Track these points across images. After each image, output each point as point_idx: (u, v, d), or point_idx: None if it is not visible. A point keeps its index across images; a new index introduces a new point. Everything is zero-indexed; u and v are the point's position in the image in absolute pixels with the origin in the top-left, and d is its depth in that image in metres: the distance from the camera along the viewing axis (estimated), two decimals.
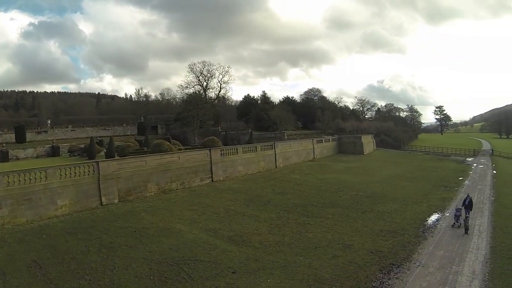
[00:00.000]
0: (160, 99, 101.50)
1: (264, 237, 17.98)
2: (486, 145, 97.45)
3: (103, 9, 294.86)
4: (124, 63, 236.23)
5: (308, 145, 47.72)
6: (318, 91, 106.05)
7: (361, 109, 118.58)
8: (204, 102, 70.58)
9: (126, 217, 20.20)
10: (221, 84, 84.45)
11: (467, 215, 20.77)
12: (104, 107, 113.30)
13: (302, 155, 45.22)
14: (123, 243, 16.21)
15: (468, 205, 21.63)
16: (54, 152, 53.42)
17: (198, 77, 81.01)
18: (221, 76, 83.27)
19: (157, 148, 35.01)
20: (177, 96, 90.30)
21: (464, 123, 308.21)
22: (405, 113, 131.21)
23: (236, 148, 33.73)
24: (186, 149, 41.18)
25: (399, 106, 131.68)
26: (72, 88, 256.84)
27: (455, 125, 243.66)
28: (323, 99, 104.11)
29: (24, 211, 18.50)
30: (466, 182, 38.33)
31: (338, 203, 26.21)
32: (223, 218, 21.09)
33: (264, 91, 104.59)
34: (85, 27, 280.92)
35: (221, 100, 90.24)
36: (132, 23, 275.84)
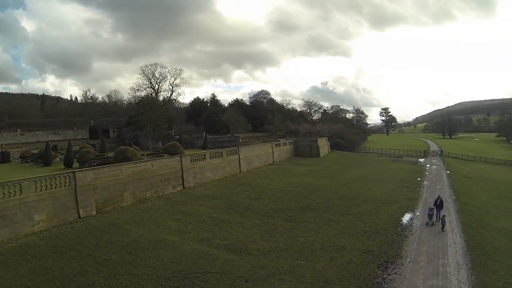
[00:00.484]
0: (108, 102, 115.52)
1: (259, 244, 20.73)
2: (433, 146, 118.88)
3: (46, 6, 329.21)
4: (68, 63, 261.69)
5: (267, 149, 55.81)
6: (267, 93, 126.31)
7: (308, 111, 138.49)
8: (158, 106, 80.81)
9: (110, 230, 22.06)
10: (172, 87, 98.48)
11: (444, 214, 26.79)
12: (49, 109, 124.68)
13: (263, 159, 52.83)
14: (119, 260, 17.56)
15: (439, 205, 28.23)
16: (3, 158, 56.87)
17: (150, 80, 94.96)
18: (173, 79, 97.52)
19: (121, 155, 38.30)
20: (125, 98, 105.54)
21: (408, 124, 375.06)
22: (351, 114, 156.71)
23: (204, 154, 38.98)
24: (148, 154, 46.60)
25: (345, 108, 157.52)
26: (13, 88, 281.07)
27: (399, 125, 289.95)
28: (272, 101, 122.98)
29: None
30: (425, 182, 47.48)
31: (314, 206, 30.54)
32: (210, 227, 23.64)
33: (213, 94, 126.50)
34: (28, 25, 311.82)
35: (172, 102, 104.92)
36: (76, 21, 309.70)
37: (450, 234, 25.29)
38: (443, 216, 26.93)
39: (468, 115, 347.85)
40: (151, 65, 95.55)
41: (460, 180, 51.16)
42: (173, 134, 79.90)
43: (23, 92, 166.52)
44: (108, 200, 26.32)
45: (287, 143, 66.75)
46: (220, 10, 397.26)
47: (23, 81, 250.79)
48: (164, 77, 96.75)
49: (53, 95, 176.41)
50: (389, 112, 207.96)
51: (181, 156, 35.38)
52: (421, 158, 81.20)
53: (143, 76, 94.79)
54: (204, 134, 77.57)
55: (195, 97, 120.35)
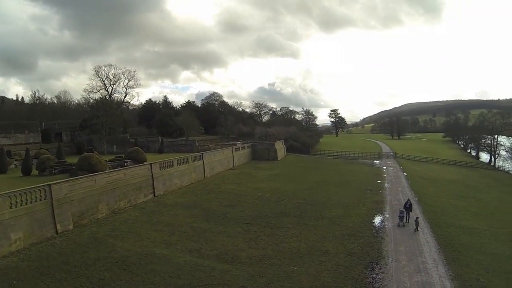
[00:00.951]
0: (56, 103, 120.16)
1: (248, 253, 22.73)
2: (385, 147, 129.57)
3: None
4: (12, 61, 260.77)
5: (228, 153, 60.39)
6: (219, 96, 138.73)
7: (258, 112, 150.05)
8: (113, 108, 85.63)
9: (94, 245, 22.83)
10: (126, 89, 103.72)
11: (417, 216, 31.09)
12: None
13: (224, 164, 57.40)
14: (115, 278, 18.26)
15: (408, 207, 32.78)
16: None
17: (104, 81, 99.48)
18: (126, 81, 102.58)
19: (85, 162, 39.67)
20: (74, 99, 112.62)
21: (355, 124, 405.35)
22: (300, 116, 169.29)
23: (172, 161, 41.60)
24: (110, 161, 48.35)
25: (294, 109, 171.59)
26: None
27: (346, 126, 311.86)
28: (224, 104, 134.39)
29: None
30: (386, 185, 52.77)
31: (288, 212, 33.57)
32: (195, 237, 25.38)
33: (165, 96, 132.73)
34: None
35: (125, 105, 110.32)
36: (22, 17, 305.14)
37: (421, 234, 29.28)
38: (417, 218, 31.20)
39: (414, 116, 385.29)
40: (105, 66, 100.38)
41: (417, 182, 57.47)
42: (129, 138, 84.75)
43: None
44: (84, 213, 27.23)
45: (246, 147, 71.39)
46: (170, 10, 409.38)
47: None
48: (118, 79, 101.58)
49: None
50: (339, 113, 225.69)
51: (151, 164, 37.30)
52: (376, 160, 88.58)
53: (97, 78, 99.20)
54: (160, 137, 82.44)
55: (147, 99, 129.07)
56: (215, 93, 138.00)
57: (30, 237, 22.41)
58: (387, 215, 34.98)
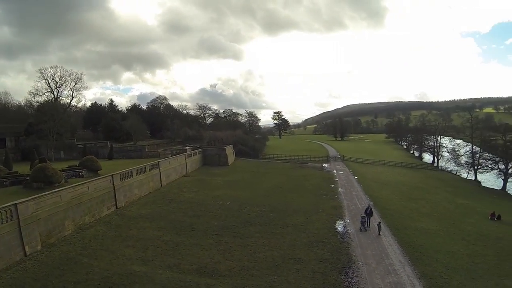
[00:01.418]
0: None
1: (226, 265, 24.27)
2: (330, 149, 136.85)
3: None
4: None
5: (182, 160, 62.99)
6: (165, 99, 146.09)
7: (202, 115, 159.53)
8: (60, 113, 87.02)
9: (69, 267, 22.94)
10: (73, 92, 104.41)
11: (379, 221, 34.68)
12: None
13: (178, 171, 59.80)
14: None
15: (369, 213, 36.35)
16: None
17: (49, 84, 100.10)
18: (73, 83, 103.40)
19: (41, 174, 39.39)
20: (15, 102, 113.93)
21: (297, 126, 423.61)
22: (244, 118, 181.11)
23: (131, 171, 42.78)
24: (63, 170, 47.89)
25: (237, 112, 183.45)
26: None
27: (289, 127, 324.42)
28: (169, 107, 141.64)
29: None
30: (340, 189, 56.67)
31: (252, 221, 35.67)
32: (170, 252, 26.55)
33: (111, 99, 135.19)
34: None
35: (72, 109, 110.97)
36: None
37: (384, 238, 32.67)
38: (379, 223, 34.74)
39: (356, 117, 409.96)
40: (50, 67, 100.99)
41: (369, 185, 62.31)
42: (76, 143, 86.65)
43: None
44: (51, 231, 27.37)
45: (197, 153, 74.01)
46: (113, 9, 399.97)
47: None
48: (65, 81, 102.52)
49: None
50: (282, 115, 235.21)
51: (112, 175, 38.15)
52: (325, 163, 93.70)
53: (42, 79, 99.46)
54: (108, 143, 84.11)
55: (93, 102, 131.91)
56: (160, 96, 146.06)
57: None
58: (348, 220, 38.13)
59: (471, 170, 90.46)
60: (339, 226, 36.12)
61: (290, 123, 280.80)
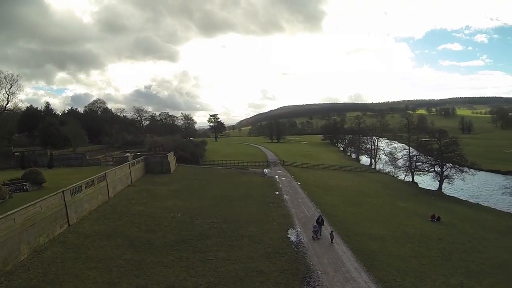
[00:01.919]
0: None
1: (193, 282, 25.47)
2: (269, 153, 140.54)
3: None
4: None
5: (126, 170, 63.45)
6: (102, 102, 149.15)
7: (138, 118, 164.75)
8: None
9: None
10: (8, 95, 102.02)
11: (332, 230, 37.71)
12: None
13: (123, 181, 61.01)
14: None
15: (321, 222, 39.24)
16: None
17: None
18: (9, 86, 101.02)
19: None
20: None
21: (232, 127, 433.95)
22: (180, 121, 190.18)
23: (81, 185, 43.07)
24: (5, 185, 46.98)
25: (173, 114, 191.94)
26: None
27: (224, 129, 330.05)
28: (107, 110, 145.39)
29: None
30: (286, 197, 59.42)
31: (207, 233, 37.27)
32: (135, 272, 27.22)
33: (47, 103, 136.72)
34: None
35: (5, 113, 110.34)
36: None
37: (336, 245, 35.58)
38: (332, 231, 37.66)
39: (291, 118, 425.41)
40: None
41: (313, 191, 65.98)
42: (13, 151, 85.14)
43: None
44: (7, 258, 26.95)
45: (140, 161, 74.92)
46: (47, 4, 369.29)
47: None
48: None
49: None
50: (218, 118, 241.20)
51: (63, 191, 37.71)
52: (266, 168, 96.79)
53: None
54: (48, 150, 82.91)
55: (28, 105, 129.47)
56: (98, 99, 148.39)
57: None
58: (299, 229, 40.71)
59: (409, 173, 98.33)
60: (292, 236, 38.48)
61: (224, 124, 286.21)
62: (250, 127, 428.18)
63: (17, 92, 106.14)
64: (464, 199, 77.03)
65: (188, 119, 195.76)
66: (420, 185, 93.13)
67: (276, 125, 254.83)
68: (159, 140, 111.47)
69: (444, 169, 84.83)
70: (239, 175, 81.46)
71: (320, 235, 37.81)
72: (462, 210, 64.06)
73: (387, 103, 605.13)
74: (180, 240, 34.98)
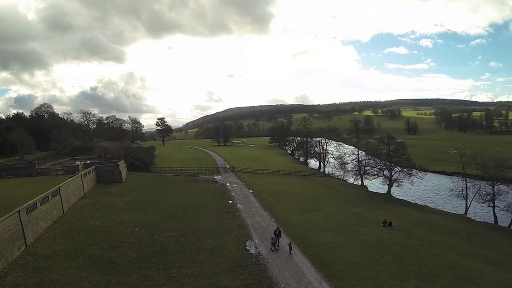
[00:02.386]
0: None
1: None
2: (217, 158, 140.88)
3: None
4: None
5: (79, 181, 61.89)
6: (49, 107, 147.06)
7: (86, 122, 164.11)
8: None
9: None
10: None
11: (290, 241, 39.28)
12: None
13: (76, 193, 60.00)
14: None
15: (278, 234, 40.64)
16: None
17: None
18: None
19: None
20: None
21: (178, 130, 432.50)
22: (128, 125, 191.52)
23: (36, 202, 42.03)
24: None
25: (121, 118, 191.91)
26: None
27: (171, 132, 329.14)
28: (54, 115, 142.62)
29: None
30: (239, 206, 60.36)
31: (167, 249, 37.73)
32: None
33: None
34: None
35: None
36: None
37: (295, 256, 37.13)
38: (290, 243, 39.20)
39: (238, 121, 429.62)
40: None
41: (265, 199, 67.53)
42: None
43: None
44: None
45: (91, 170, 73.85)
46: None
47: None
48: None
49: None
50: (165, 122, 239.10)
51: (19, 211, 36.50)
52: (216, 175, 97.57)
53: None
54: None
55: None
56: (45, 104, 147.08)
57: None
58: (257, 241, 41.94)
59: (358, 177, 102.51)
60: (251, 248, 39.63)
61: (172, 128, 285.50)
62: (196, 129, 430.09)
63: None
64: (412, 202, 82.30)
65: (135, 122, 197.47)
66: (369, 189, 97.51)
67: (223, 127, 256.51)
68: (109, 147, 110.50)
69: (393, 173, 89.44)
70: (191, 183, 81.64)
71: (279, 246, 39.19)
72: (412, 214, 68.43)
73: (334, 105, 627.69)
74: (142, 257, 35.17)
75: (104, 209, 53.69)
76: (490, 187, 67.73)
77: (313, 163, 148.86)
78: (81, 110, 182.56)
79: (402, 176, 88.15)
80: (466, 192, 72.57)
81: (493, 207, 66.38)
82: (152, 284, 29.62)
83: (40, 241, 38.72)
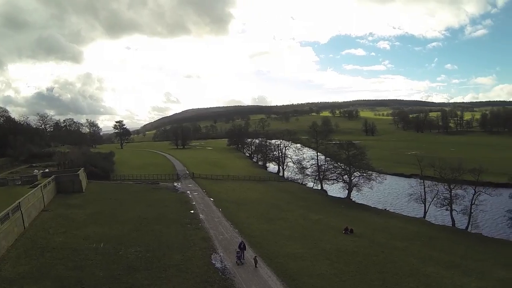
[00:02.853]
0: None
1: None
2: (176, 162, 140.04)
3: None
4: None
5: (39, 194, 61.09)
6: (5, 111, 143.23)
7: (42, 126, 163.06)
8: None
9: None
10: None
11: (255, 255, 40.17)
12: None
13: (37, 206, 58.18)
14: None
15: (243, 247, 41.33)
16: None
17: None
18: None
19: None
20: None
21: (136, 132, 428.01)
22: (86, 128, 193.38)
23: None
24: None
25: (78, 121, 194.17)
26: None
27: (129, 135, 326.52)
28: (10, 120, 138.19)
29: None
30: (201, 216, 60.72)
31: (134, 265, 37.73)
32: None
33: None
34: None
35: None
36: None
37: (261, 270, 38.12)
38: (255, 256, 40.13)
39: (195, 122, 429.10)
40: None
41: (227, 208, 68.27)
42: None
43: None
44: None
45: (51, 181, 71.94)
46: None
47: None
48: None
49: None
50: (124, 125, 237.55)
51: None
52: (176, 181, 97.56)
53: None
54: None
55: None
56: (0, 108, 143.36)
57: None
58: (222, 254, 42.60)
59: (318, 181, 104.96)
60: (216, 262, 40.20)
61: (130, 130, 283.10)
62: (154, 131, 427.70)
63: None
64: (372, 206, 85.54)
65: (93, 125, 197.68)
66: (329, 193, 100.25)
67: (181, 130, 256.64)
68: (68, 154, 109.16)
69: (352, 178, 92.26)
70: (152, 192, 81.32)
71: (243, 259, 39.88)
72: (372, 219, 70.83)
73: (292, 106, 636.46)
74: (110, 276, 34.86)
75: (67, 223, 52.68)
76: (448, 191, 71.29)
77: (272, 167, 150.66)
78: (38, 113, 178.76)
79: (362, 181, 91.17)
80: (425, 197, 76.16)
81: (451, 210, 70.07)
82: None
83: (3, 262, 37.54)
